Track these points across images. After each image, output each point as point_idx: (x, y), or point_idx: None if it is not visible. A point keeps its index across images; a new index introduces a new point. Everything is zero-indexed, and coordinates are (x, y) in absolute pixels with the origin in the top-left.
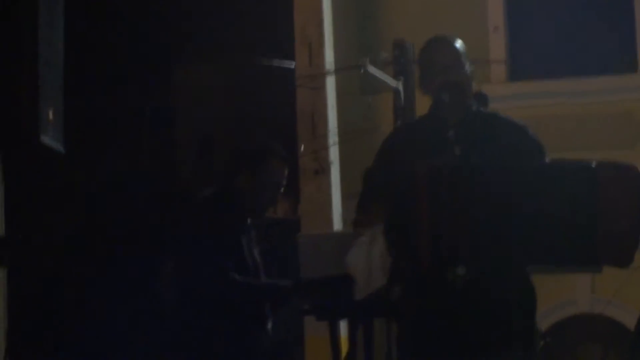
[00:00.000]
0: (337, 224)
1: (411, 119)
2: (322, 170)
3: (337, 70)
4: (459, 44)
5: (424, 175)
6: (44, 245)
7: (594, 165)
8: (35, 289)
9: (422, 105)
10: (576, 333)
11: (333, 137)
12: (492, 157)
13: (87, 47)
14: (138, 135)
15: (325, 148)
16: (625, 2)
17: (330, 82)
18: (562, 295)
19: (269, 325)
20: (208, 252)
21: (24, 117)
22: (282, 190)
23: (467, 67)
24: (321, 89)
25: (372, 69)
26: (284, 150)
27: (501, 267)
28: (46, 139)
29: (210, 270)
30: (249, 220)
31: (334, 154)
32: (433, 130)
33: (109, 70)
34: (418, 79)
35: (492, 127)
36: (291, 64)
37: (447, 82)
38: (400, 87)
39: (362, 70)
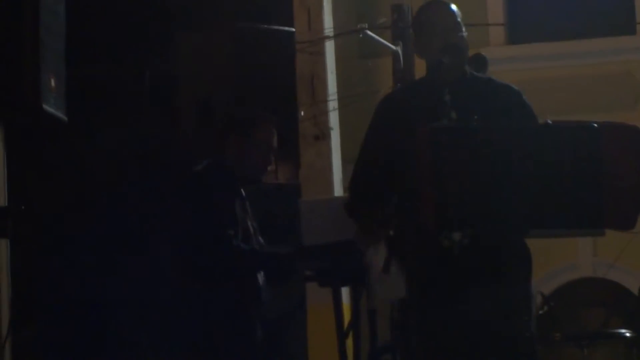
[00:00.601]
0: (338, 189)
1: (404, 84)
2: (322, 135)
3: (337, 35)
4: (455, 7)
5: (424, 137)
6: (45, 215)
7: (597, 125)
8: (38, 258)
9: (421, 68)
10: (579, 297)
11: (333, 102)
12: (488, 121)
13: (89, 13)
14: (139, 103)
15: (325, 113)
16: None
17: (330, 47)
18: (564, 259)
19: (267, 295)
20: (209, 224)
21: (25, 85)
22: (273, 153)
23: (464, 31)
24: (320, 54)
25: (371, 33)
26: (270, 113)
27: (501, 231)
28: (48, 107)
29: (212, 241)
30: (243, 192)
31: (333, 119)
32: (429, 95)
33: (111, 38)
34: (414, 42)
35: (488, 92)
36: (290, 30)
37: (448, 44)
38: (399, 51)
39: (361, 35)
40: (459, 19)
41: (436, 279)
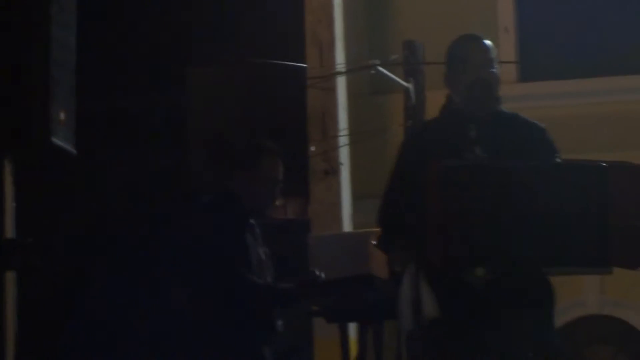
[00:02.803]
0: (347, 225)
1: (422, 120)
2: (332, 171)
3: (348, 71)
4: (489, 43)
5: (434, 173)
6: (53, 247)
7: (605, 165)
8: (45, 291)
9: (432, 105)
10: (585, 334)
11: (343, 138)
12: (511, 157)
13: (99, 47)
14: (149, 136)
15: (336, 149)
16: (636, 2)
17: (341, 83)
18: (570, 296)
19: (279, 327)
20: (221, 259)
21: (35, 119)
22: (279, 186)
23: (496, 67)
24: (332, 89)
25: (383, 70)
26: (276, 145)
27: (518, 267)
28: (57, 141)
29: (227, 277)
30: (251, 220)
31: (344, 154)
32: (455, 129)
33: (122, 71)
34: (444, 75)
35: (513, 128)
36: (302, 65)
37: (480, 79)
38: (411, 88)
39: (372, 71)
40: (492, 55)
41: (454, 313)
